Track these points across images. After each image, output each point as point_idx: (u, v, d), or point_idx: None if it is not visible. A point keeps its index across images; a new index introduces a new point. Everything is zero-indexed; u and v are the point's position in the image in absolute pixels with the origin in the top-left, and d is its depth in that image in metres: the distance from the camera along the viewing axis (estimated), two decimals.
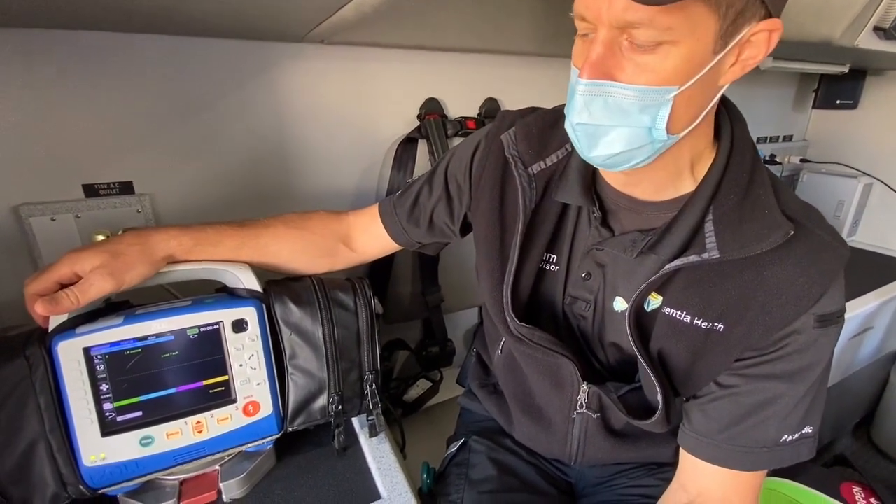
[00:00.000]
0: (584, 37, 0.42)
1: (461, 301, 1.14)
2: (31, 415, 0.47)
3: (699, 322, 0.47)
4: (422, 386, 1.08)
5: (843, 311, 0.47)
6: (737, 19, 0.37)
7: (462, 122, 0.96)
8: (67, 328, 0.48)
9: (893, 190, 1.48)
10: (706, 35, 0.37)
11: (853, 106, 1.56)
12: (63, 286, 0.47)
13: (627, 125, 0.41)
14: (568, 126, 0.45)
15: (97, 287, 0.47)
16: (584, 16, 0.39)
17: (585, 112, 0.41)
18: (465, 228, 0.66)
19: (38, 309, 0.45)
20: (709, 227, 0.46)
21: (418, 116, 0.94)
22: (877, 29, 0.95)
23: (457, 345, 1.16)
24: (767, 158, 1.59)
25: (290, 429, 0.59)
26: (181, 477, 0.56)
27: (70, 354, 0.47)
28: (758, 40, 0.40)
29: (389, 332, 1.07)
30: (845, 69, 1.32)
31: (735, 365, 0.49)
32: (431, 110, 0.94)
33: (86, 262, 0.48)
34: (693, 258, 0.45)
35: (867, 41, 0.95)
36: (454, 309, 1.15)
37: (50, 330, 0.48)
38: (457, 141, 0.96)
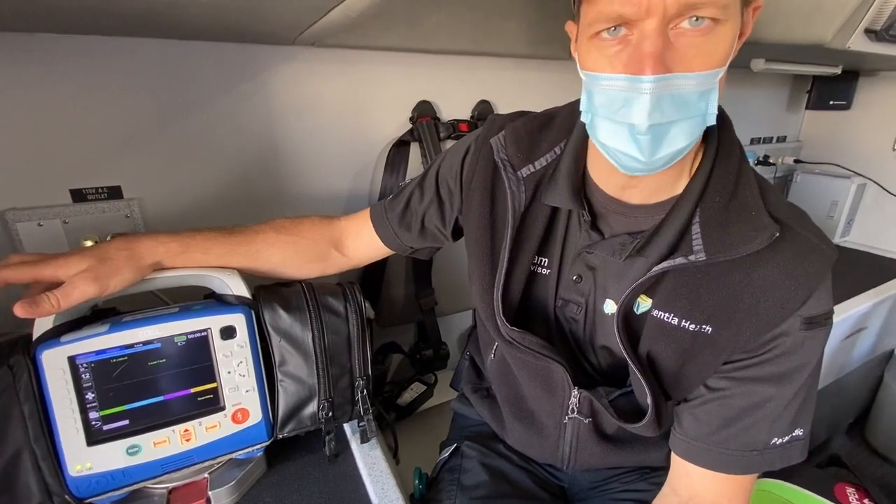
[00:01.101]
0: (597, 37, 0.40)
1: (455, 304, 1.14)
2: (15, 424, 0.46)
3: (687, 324, 0.47)
4: (416, 389, 1.07)
5: (831, 312, 0.47)
6: None
7: (454, 124, 0.96)
8: (52, 336, 0.48)
9: (886, 190, 1.49)
10: (737, 12, 0.38)
11: (846, 107, 1.56)
12: (48, 290, 0.47)
13: (690, 116, 0.40)
14: (610, 135, 0.42)
15: (80, 291, 0.47)
16: (622, 13, 0.37)
17: (657, 112, 0.38)
18: (457, 232, 0.65)
19: (18, 311, 0.44)
20: (696, 229, 0.46)
21: (410, 119, 0.94)
22: (868, 31, 0.95)
23: (451, 348, 1.15)
24: (761, 159, 1.59)
25: (280, 436, 0.59)
26: (170, 485, 0.55)
27: (54, 363, 0.47)
28: (748, 18, 0.41)
29: (383, 335, 1.07)
30: (838, 71, 1.33)
31: (724, 368, 0.49)
32: (424, 113, 0.94)
33: (71, 265, 0.47)
34: (680, 260, 0.45)
35: (859, 43, 0.95)
36: (448, 312, 1.15)
37: (34, 338, 0.47)
38: (449, 144, 0.96)
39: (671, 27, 0.37)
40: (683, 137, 0.41)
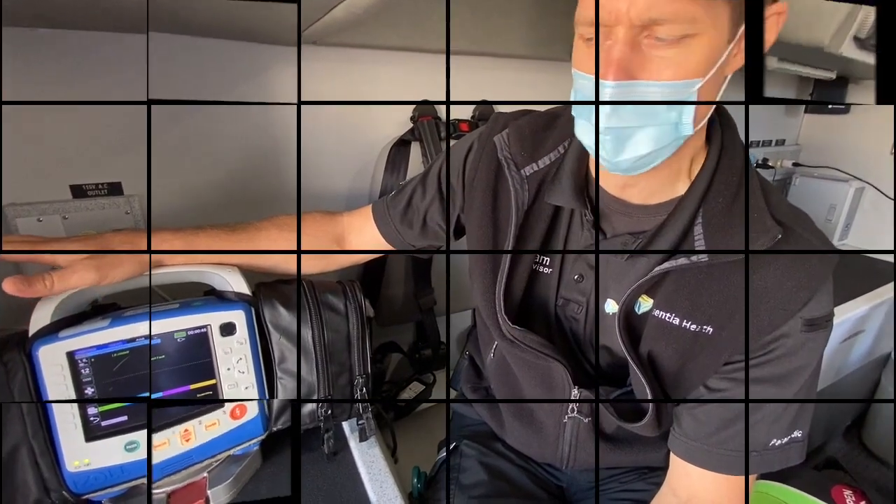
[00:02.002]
0: (581, 37, 0.42)
1: (455, 303, 1.14)
2: (12, 419, 0.46)
3: (688, 324, 0.47)
4: (414, 389, 1.07)
5: (832, 315, 0.47)
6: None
7: (455, 124, 0.96)
8: (50, 332, 0.47)
9: (884, 194, 1.49)
10: (722, 23, 0.38)
11: (845, 111, 1.57)
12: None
13: (655, 124, 0.41)
14: (585, 133, 0.44)
15: (78, 276, 0.46)
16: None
17: (615, 116, 0.40)
18: (459, 231, 0.65)
19: (6, 286, 0.44)
20: (698, 229, 0.46)
21: (411, 118, 0.94)
22: (856, 38, 0.95)
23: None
24: (760, 162, 1.60)
25: (275, 428, 0.59)
26: (169, 489, 0.55)
27: (52, 359, 0.46)
28: (771, 24, 0.40)
29: (382, 334, 1.07)
30: (832, 76, 1.33)
31: (724, 368, 0.49)
32: (424, 113, 0.94)
33: (73, 253, 0.47)
34: (682, 260, 0.45)
35: (848, 49, 0.95)
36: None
37: (31, 334, 0.47)
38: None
39: (644, 35, 0.38)
40: (648, 143, 0.41)
